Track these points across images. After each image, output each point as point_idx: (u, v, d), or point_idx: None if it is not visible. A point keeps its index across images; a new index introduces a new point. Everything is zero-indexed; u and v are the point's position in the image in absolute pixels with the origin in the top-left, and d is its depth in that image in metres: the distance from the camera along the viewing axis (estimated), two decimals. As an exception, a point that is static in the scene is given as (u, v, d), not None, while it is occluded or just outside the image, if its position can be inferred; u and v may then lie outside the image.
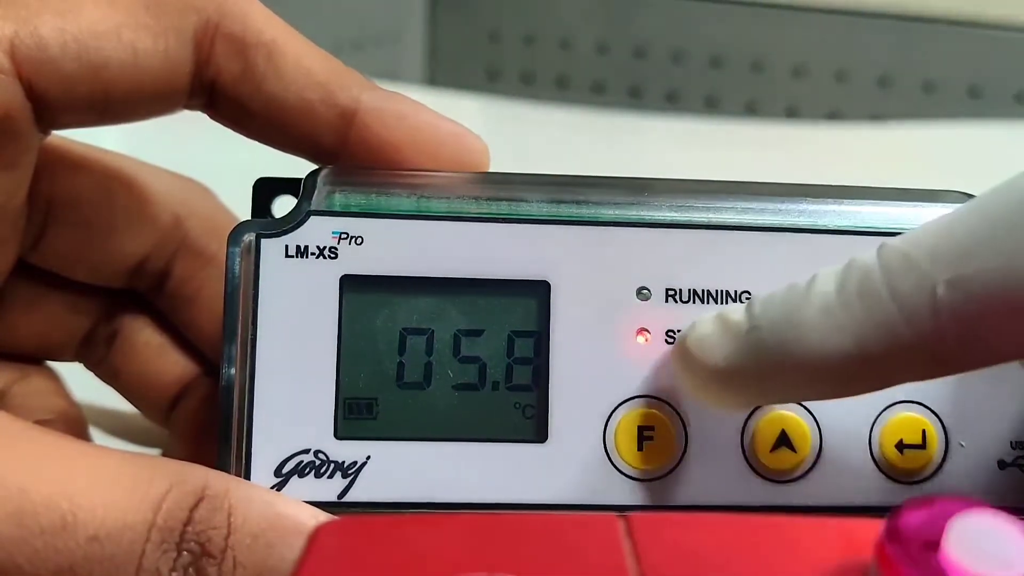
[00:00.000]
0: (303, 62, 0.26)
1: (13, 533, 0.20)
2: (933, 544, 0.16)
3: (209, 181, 0.32)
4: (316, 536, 0.18)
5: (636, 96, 0.93)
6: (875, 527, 0.16)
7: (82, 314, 0.31)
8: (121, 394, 0.32)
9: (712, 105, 0.91)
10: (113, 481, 0.21)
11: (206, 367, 0.31)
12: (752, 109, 0.91)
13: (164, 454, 0.33)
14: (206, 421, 0.31)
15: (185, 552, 0.21)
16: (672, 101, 0.92)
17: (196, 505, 0.21)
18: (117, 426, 0.36)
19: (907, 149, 0.68)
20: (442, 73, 0.98)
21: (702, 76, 0.90)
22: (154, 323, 0.31)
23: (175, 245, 0.30)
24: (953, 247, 0.21)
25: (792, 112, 0.91)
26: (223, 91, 0.26)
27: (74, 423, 0.31)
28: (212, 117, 0.27)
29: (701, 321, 0.24)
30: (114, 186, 0.29)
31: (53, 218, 0.29)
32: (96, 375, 0.32)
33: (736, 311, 0.23)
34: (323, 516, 0.22)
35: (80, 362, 0.32)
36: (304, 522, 0.22)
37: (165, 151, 0.33)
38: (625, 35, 0.91)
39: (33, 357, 0.31)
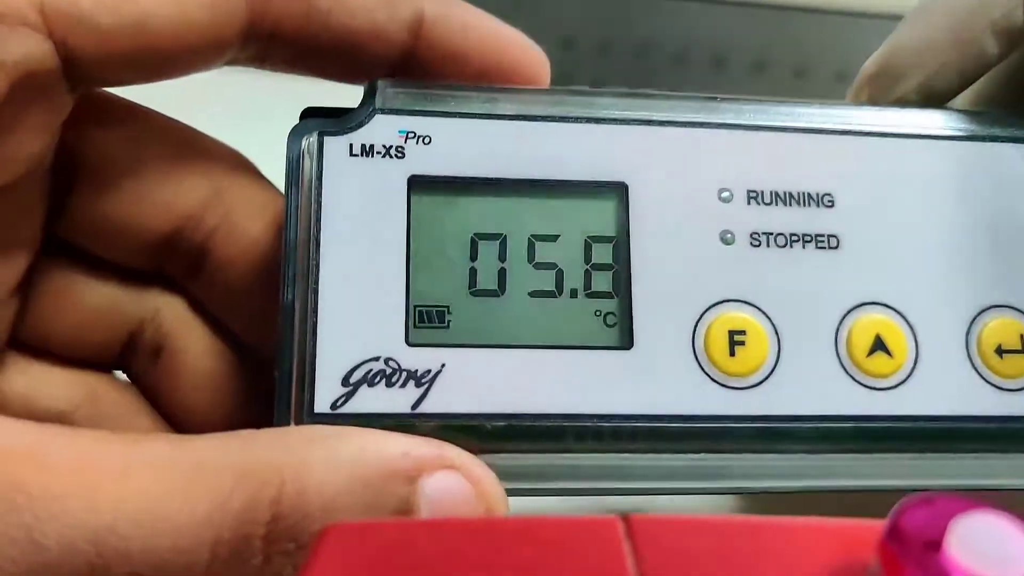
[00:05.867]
0: None
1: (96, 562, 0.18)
2: (935, 544, 0.15)
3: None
4: (323, 538, 0.17)
5: (637, 98, 0.92)
6: (875, 527, 0.16)
7: (118, 310, 0.28)
8: (160, 413, 0.28)
9: (713, 106, 0.91)
10: (185, 499, 0.19)
11: (262, 385, 0.27)
12: (754, 109, 0.90)
13: None
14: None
15: (278, 554, 0.19)
16: (673, 102, 0.92)
17: (278, 499, 0.20)
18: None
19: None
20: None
21: (703, 76, 0.90)
22: (205, 338, 0.28)
23: (214, 221, 0.27)
24: None
25: (794, 112, 0.90)
26: (284, 38, 0.24)
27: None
28: (259, 67, 0.25)
29: None
30: (146, 144, 0.26)
31: (79, 180, 0.26)
32: (139, 388, 0.28)
33: None
34: (413, 449, 0.21)
35: (123, 371, 0.28)
36: (398, 465, 0.20)
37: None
38: (626, 35, 0.91)
39: (77, 360, 0.28)
